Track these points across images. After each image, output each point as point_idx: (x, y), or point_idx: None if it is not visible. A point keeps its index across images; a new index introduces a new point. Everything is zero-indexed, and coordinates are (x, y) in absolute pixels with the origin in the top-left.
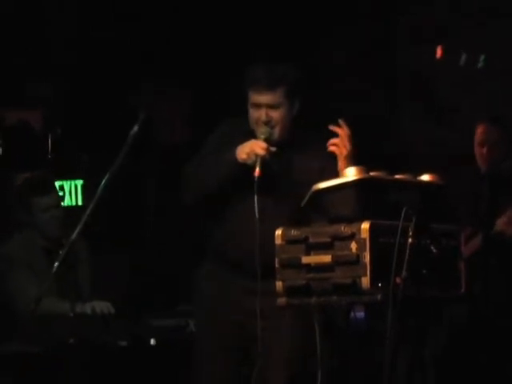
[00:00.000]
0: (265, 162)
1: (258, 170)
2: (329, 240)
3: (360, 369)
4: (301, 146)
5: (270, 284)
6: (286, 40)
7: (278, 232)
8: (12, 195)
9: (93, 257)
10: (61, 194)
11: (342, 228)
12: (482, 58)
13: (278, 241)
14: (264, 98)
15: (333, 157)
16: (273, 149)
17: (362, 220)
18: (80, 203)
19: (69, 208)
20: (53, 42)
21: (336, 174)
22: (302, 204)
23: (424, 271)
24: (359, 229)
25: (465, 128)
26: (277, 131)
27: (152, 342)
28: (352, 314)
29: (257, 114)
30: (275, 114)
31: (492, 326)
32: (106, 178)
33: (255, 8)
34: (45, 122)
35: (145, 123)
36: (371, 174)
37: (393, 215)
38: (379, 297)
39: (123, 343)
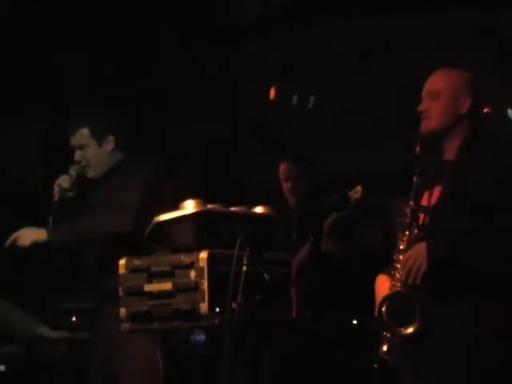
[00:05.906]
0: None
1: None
2: (169, 269)
3: None
4: (112, 178)
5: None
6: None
7: (122, 261)
8: None
9: None
10: None
11: (182, 257)
12: (312, 98)
13: (121, 270)
14: (72, 139)
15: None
16: (65, 185)
17: (200, 249)
18: None
19: None
20: None
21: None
22: (145, 235)
23: (258, 297)
24: (198, 258)
25: None
26: (90, 169)
27: (1, 368)
28: (192, 337)
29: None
30: (84, 154)
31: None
32: None
33: None
34: None
35: None
36: (208, 206)
37: (230, 245)
38: (217, 321)
39: None
